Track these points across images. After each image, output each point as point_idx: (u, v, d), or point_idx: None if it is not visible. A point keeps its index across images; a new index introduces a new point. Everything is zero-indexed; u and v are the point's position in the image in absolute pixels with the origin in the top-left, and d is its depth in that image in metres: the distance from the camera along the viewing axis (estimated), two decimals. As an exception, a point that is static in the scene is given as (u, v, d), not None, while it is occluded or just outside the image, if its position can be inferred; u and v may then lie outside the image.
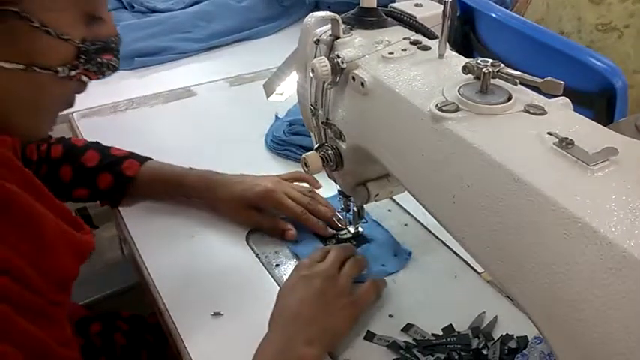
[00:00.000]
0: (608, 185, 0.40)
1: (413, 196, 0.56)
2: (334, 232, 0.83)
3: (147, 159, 0.90)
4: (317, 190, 0.88)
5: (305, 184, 0.89)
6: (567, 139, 0.43)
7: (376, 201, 0.72)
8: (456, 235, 0.50)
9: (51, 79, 0.50)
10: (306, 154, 0.67)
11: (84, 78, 0.53)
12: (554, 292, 0.40)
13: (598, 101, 0.98)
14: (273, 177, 0.87)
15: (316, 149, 0.69)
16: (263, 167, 0.98)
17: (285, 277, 0.76)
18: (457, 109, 0.49)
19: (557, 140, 0.44)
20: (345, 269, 0.72)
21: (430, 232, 0.84)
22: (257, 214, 0.83)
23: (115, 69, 0.55)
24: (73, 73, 0.51)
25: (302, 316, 0.65)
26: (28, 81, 0.49)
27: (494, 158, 0.44)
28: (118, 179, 0.87)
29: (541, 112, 0.48)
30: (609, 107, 0.97)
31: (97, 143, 0.92)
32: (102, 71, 0.54)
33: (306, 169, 0.67)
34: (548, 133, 0.45)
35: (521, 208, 0.42)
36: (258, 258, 0.80)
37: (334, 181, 0.75)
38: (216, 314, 0.71)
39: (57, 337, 0.59)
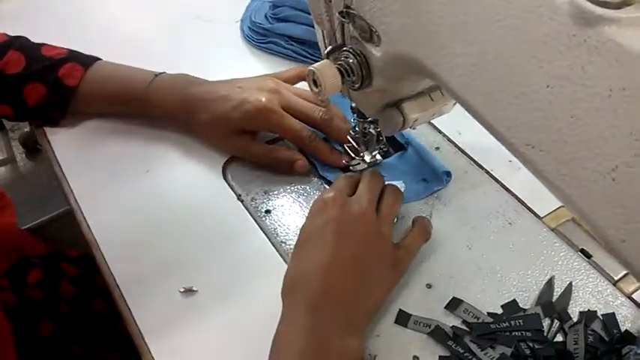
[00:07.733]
0: None
1: (515, 154, 0.34)
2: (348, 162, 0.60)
3: (94, 59, 0.64)
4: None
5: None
6: None
7: (413, 128, 0.50)
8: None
9: None
10: (316, 65, 0.43)
11: None
12: None
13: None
14: (270, 80, 0.61)
15: (328, 54, 0.45)
16: (238, 66, 0.73)
17: (279, 230, 0.55)
18: (625, 3, 0.26)
19: None
20: (384, 210, 0.50)
21: (471, 158, 0.63)
22: (249, 142, 0.60)
23: None
24: None
25: (337, 290, 0.45)
26: None
27: None
28: (54, 91, 0.62)
29: None
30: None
31: (23, 39, 0.65)
32: None
33: (316, 90, 0.44)
34: None
35: None
36: (241, 201, 0.58)
37: (349, 97, 0.52)
38: (188, 291, 0.50)
39: None
